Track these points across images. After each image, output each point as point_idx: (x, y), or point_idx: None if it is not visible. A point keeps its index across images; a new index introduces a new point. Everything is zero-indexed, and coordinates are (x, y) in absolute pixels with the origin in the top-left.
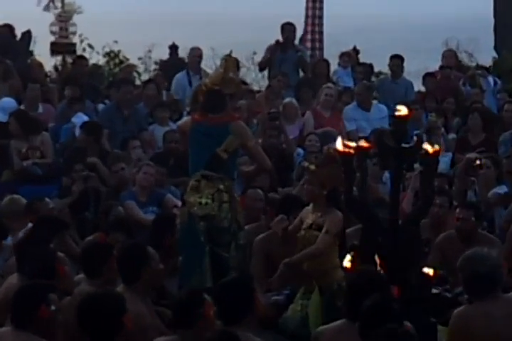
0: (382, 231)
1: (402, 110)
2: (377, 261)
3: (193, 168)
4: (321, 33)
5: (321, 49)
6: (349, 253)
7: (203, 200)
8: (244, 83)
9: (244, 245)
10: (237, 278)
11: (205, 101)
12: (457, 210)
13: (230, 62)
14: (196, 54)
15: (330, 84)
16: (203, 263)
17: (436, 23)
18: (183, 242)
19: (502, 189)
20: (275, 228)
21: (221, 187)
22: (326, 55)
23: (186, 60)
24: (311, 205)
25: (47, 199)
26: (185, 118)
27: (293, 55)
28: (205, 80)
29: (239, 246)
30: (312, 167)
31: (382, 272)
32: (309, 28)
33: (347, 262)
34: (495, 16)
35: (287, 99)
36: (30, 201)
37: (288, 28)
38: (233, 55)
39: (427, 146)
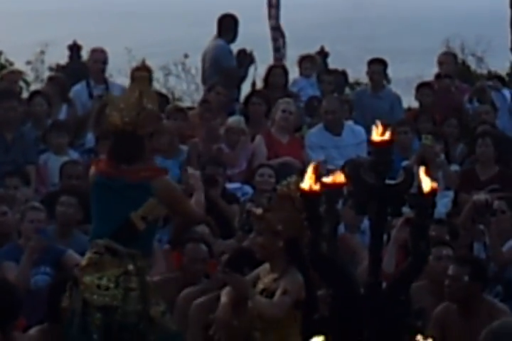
0: (359, 299)
1: (383, 132)
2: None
3: (95, 233)
4: (276, 28)
5: (278, 50)
6: (317, 328)
7: (103, 283)
8: (163, 96)
9: (161, 338)
10: None
11: (113, 146)
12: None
13: (144, 82)
14: (99, 58)
15: (288, 99)
16: None
17: (435, 16)
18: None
19: None
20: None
21: (130, 268)
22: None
23: None
24: (267, 263)
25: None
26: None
27: (239, 60)
28: (111, 111)
29: None
30: (258, 211)
31: None
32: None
33: (316, 339)
34: None
35: (232, 119)
36: None
37: (227, 22)
38: (148, 62)
39: (419, 182)
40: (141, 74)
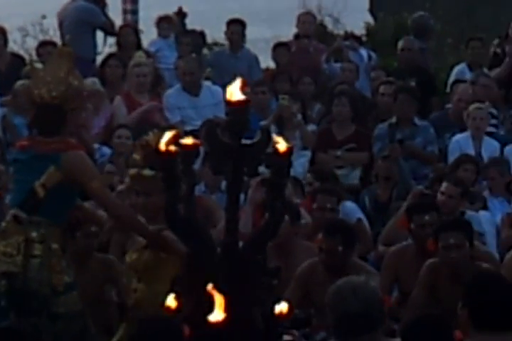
0: (215, 259)
1: (235, 92)
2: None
3: (10, 204)
4: None
5: (135, 12)
6: (172, 287)
7: (8, 250)
8: (20, 58)
9: (65, 314)
10: None
11: (35, 118)
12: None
13: (70, 59)
14: None
15: (142, 60)
16: None
17: None
18: None
19: None
20: None
21: (33, 235)
22: (143, 20)
23: None
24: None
25: None
26: None
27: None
28: (36, 83)
29: (54, 315)
30: (148, 172)
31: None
32: None
33: (171, 300)
34: None
35: (89, 81)
36: None
37: None
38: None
39: (276, 142)
40: (67, 49)
